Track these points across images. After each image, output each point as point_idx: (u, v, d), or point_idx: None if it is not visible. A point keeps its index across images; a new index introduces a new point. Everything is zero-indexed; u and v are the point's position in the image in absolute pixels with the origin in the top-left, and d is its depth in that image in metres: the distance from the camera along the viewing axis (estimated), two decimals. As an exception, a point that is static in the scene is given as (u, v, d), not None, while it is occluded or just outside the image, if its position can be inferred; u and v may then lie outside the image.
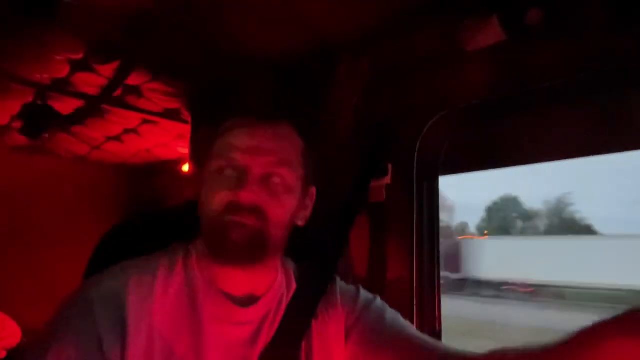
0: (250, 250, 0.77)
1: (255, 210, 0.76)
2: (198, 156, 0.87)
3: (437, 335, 1.19)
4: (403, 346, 0.85)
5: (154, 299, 0.77)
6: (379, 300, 0.93)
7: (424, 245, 1.22)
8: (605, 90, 1.00)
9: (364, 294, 0.94)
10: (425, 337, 0.89)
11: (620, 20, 0.87)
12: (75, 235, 1.71)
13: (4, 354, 1.67)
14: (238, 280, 0.82)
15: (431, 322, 1.19)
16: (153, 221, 0.98)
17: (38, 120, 1.51)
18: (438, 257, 1.23)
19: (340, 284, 0.94)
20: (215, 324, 0.79)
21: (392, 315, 0.91)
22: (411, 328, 0.90)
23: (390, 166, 1.21)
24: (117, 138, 2.11)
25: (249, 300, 0.82)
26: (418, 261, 1.19)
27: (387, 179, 1.21)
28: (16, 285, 1.94)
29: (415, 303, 1.18)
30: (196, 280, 0.81)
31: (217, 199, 0.78)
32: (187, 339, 0.76)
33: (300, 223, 0.87)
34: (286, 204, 0.80)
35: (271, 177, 0.79)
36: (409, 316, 1.16)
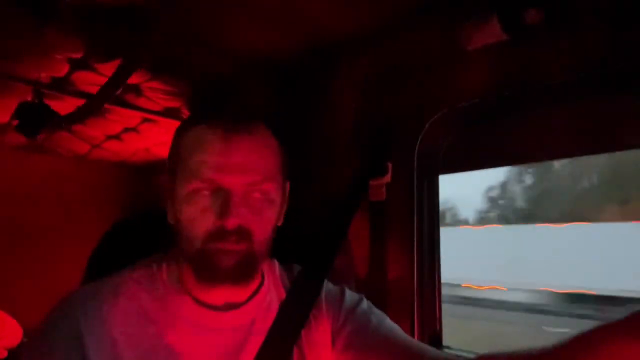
0: (238, 273, 0.74)
1: (240, 232, 0.73)
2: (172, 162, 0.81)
3: (438, 335, 1.20)
4: (388, 350, 0.84)
5: (115, 318, 0.74)
6: (364, 303, 0.91)
7: (424, 244, 1.22)
8: (605, 90, 1.00)
9: (349, 296, 0.92)
10: (411, 340, 0.88)
11: (620, 20, 0.87)
12: (76, 234, 1.71)
13: (4, 353, 1.67)
14: (218, 293, 0.79)
15: (432, 322, 1.20)
16: (152, 220, 0.98)
17: (34, 119, 1.49)
18: (439, 256, 1.24)
19: (326, 286, 0.91)
20: (195, 332, 0.77)
21: (378, 318, 0.89)
22: (397, 331, 0.88)
23: (390, 165, 1.21)
24: (117, 137, 2.10)
25: (227, 307, 0.80)
26: (419, 260, 1.20)
27: (388, 178, 1.21)
28: (17, 284, 1.94)
29: (415, 302, 1.18)
30: (167, 290, 0.79)
31: (201, 226, 0.73)
32: (165, 352, 0.74)
33: (279, 223, 0.84)
34: (269, 217, 0.77)
35: (253, 193, 0.74)
36: (409, 315, 1.16)
